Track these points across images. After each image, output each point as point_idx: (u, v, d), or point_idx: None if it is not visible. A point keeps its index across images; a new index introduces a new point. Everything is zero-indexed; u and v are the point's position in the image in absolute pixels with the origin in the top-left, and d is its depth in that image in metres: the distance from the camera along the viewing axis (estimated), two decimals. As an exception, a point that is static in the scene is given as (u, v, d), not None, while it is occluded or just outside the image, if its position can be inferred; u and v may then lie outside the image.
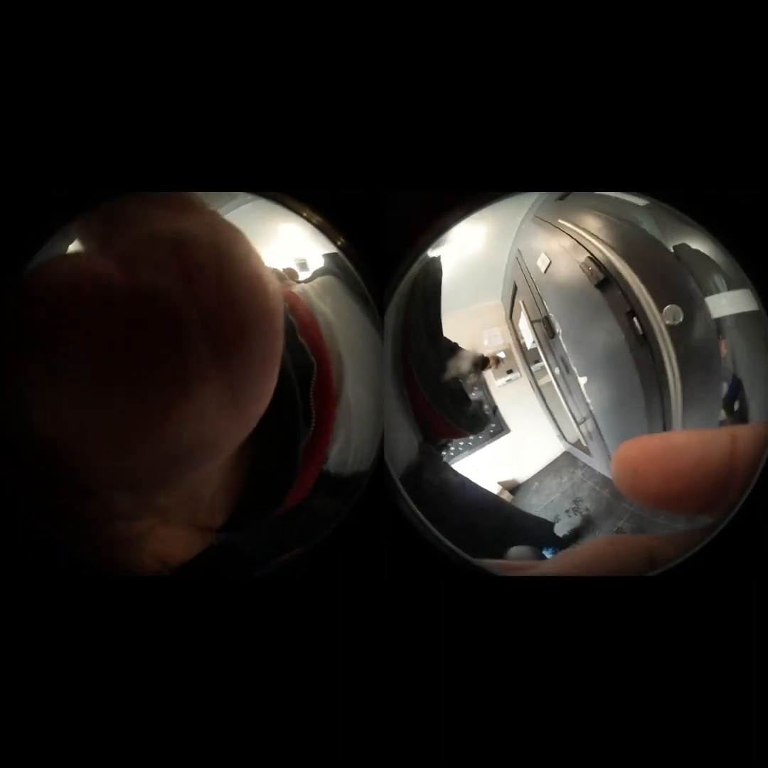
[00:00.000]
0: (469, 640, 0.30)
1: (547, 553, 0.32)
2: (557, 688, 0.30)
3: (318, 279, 0.39)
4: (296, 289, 0.35)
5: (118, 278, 0.20)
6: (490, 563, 0.31)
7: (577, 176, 0.30)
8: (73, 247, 0.24)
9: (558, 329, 0.32)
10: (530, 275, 0.32)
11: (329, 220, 0.31)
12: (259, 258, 0.23)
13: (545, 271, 0.32)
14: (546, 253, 0.32)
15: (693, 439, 0.28)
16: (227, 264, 0.21)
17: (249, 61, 0.30)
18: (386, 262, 0.30)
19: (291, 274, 0.34)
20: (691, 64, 0.29)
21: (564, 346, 0.32)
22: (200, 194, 0.23)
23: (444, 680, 0.30)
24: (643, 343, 0.30)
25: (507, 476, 0.33)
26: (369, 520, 0.31)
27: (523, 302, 0.32)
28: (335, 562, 0.31)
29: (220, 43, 0.29)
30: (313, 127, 0.30)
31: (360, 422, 0.33)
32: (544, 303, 0.32)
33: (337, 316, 0.32)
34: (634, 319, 0.31)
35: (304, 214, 0.31)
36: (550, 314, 0.32)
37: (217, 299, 0.21)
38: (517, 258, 0.32)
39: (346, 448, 0.33)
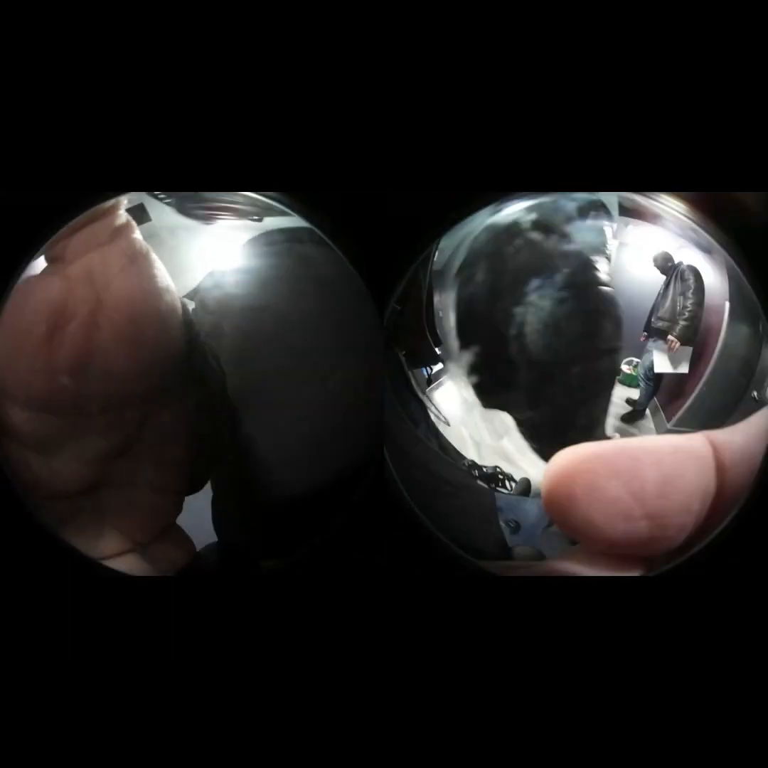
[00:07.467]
0: (469, 640, 0.30)
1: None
2: (558, 688, 0.30)
3: None
4: None
5: (58, 290, 0.29)
6: (490, 563, 0.31)
7: (578, 176, 0.30)
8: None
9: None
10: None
11: (329, 219, 0.31)
12: (146, 281, 0.30)
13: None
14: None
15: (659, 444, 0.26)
16: (112, 289, 0.29)
17: (248, 60, 0.30)
18: (386, 262, 0.30)
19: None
20: (690, 65, 0.29)
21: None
22: (123, 218, 0.30)
23: (444, 680, 0.30)
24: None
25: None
26: (369, 519, 0.31)
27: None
28: (335, 562, 0.31)
29: (218, 42, 0.29)
30: (313, 126, 0.30)
31: None
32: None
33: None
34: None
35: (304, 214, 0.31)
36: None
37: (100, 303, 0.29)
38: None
39: None
